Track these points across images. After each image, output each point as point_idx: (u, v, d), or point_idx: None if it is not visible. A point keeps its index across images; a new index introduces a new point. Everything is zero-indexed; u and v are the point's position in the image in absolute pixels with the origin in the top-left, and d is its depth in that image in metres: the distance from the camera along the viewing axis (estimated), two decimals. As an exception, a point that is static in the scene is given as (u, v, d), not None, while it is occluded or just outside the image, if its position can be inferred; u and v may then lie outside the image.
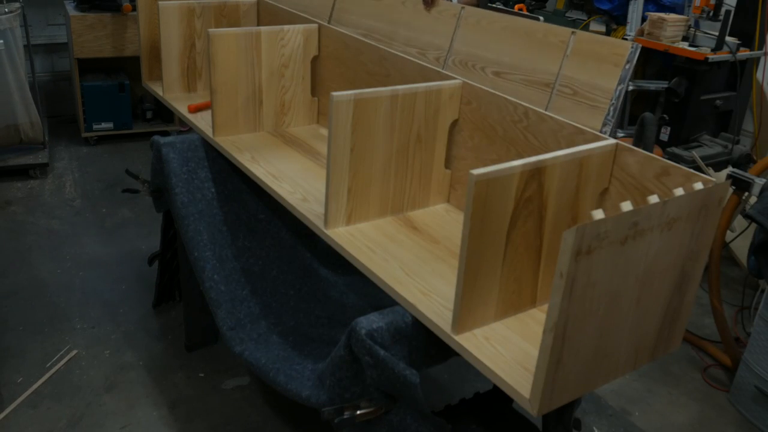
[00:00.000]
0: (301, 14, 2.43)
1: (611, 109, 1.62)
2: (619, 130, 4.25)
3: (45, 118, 4.28)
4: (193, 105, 2.44)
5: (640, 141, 3.03)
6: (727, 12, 3.62)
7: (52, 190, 3.88)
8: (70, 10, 4.22)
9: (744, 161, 3.28)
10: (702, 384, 2.73)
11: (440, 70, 1.88)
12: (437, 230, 1.78)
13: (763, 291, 2.94)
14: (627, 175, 1.46)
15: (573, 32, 1.72)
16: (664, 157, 1.40)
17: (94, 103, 4.38)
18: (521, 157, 1.44)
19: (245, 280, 2.16)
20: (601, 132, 1.64)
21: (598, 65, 1.66)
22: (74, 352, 2.59)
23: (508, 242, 1.35)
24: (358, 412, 1.48)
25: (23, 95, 3.91)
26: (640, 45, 1.65)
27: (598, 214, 1.07)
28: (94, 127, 4.46)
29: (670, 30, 3.79)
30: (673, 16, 3.85)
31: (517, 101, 1.68)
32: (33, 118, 3.98)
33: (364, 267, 1.60)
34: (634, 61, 1.63)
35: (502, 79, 1.88)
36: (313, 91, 2.38)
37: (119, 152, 4.43)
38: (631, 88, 4.20)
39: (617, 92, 1.63)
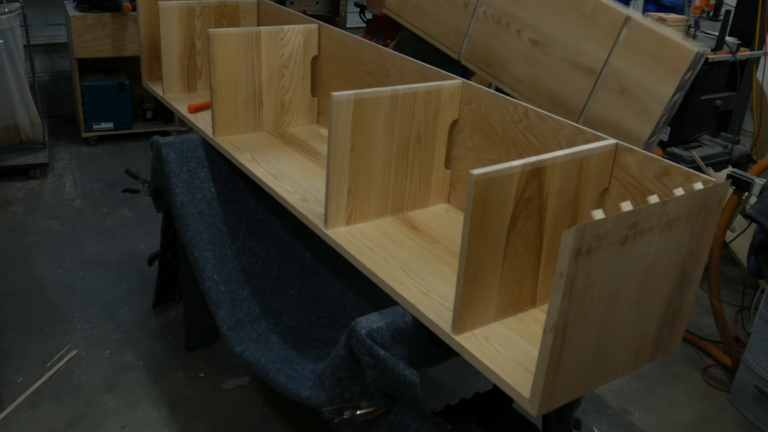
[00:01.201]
0: (300, 14, 2.43)
1: (663, 119, 1.41)
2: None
3: (45, 118, 4.28)
4: (193, 105, 2.44)
5: (640, 141, 3.03)
6: (727, 12, 3.62)
7: (52, 190, 3.88)
8: (70, 10, 4.22)
9: (744, 161, 3.29)
10: (702, 384, 2.73)
11: (440, 70, 1.87)
12: (437, 230, 1.78)
13: (763, 291, 2.94)
14: (627, 175, 1.45)
15: (627, 18, 1.47)
16: (664, 157, 1.40)
17: (94, 103, 4.37)
18: (521, 157, 1.44)
19: (245, 280, 2.16)
20: (648, 142, 1.43)
21: (653, 65, 1.42)
22: (74, 352, 2.59)
23: (508, 242, 1.35)
24: (358, 412, 1.48)
25: (23, 95, 3.91)
26: (706, 54, 1.41)
27: (598, 214, 1.07)
28: (94, 127, 4.45)
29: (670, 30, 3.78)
30: (673, 16, 3.85)
31: (517, 101, 1.68)
32: (33, 118, 3.98)
33: (364, 267, 1.60)
34: (697, 70, 1.39)
35: (540, 51, 1.65)
36: (313, 91, 2.38)
37: (119, 152, 4.43)
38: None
39: (673, 101, 1.39)
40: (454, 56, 2.05)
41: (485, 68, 1.92)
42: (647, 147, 1.47)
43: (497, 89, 1.91)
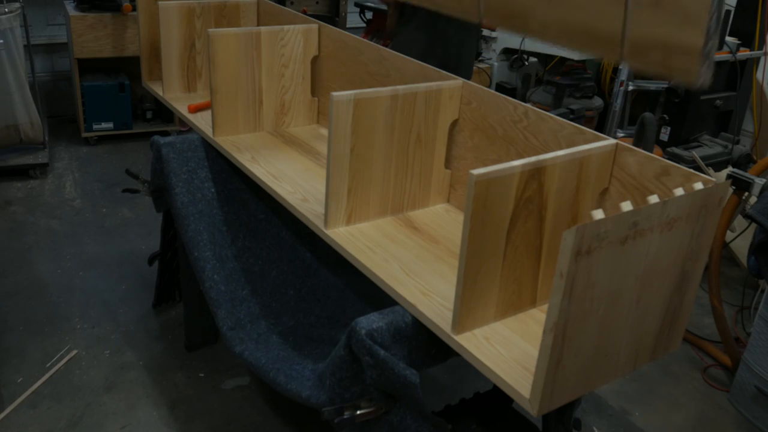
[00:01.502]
0: (300, 14, 2.42)
1: (713, 21, 1.25)
2: (619, 130, 4.26)
3: (45, 118, 4.27)
4: (193, 105, 2.44)
5: (640, 141, 3.04)
6: (727, 12, 3.62)
7: (52, 190, 3.88)
8: (70, 10, 4.22)
9: (744, 161, 3.29)
10: (702, 384, 2.73)
11: (440, 70, 1.87)
12: (437, 230, 1.78)
13: (763, 291, 2.94)
14: (627, 175, 1.45)
15: None
16: (664, 157, 1.40)
17: (94, 103, 4.37)
18: (521, 157, 1.44)
19: (245, 280, 2.16)
20: (705, 51, 1.27)
21: None
22: (74, 352, 2.59)
23: (508, 242, 1.35)
24: (358, 412, 1.48)
25: (23, 95, 3.91)
26: None
27: (598, 214, 1.07)
28: (94, 127, 4.45)
29: (670, 30, 3.78)
30: (673, 16, 3.84)
31: (517, 101, 1.68)
32: (33, 118, 3.97)
33: (364, 267, 1.60)
34: None
35: None
36: (313, 91, 2.38)
37: (119, 152, 4.43)
38: (631, 88, 4.20)
39: None
40: (474, 20, 1.95)
41: (509, 23, 1.78)
42: (706, 56, 1.28)
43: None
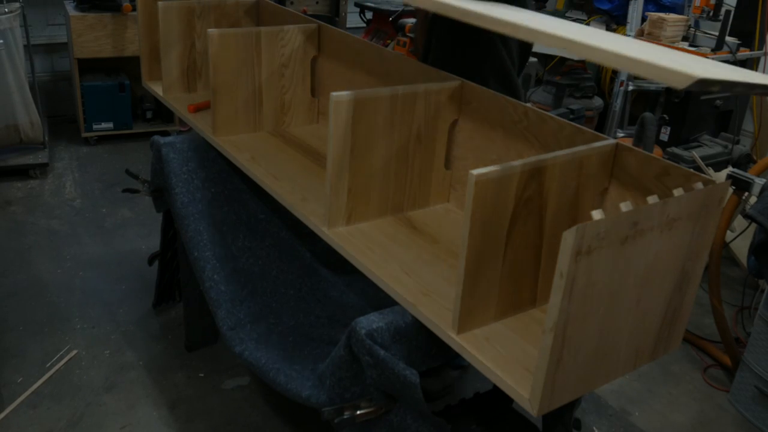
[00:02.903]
0: (300, 14, 2.42)
1: None
2: (619, 130, 4.26)
3: (45, 118, 4.27)
4: (193, 105, 2.44)
5: (640, 141, 3.04)
6: (727, 12, 3.63)
7: (52, 190, 3.88)
8: (70, 10, 4.22)
9: (744, 161, 3.29)
10: (702, 384, 2.73)
11: (440, 70, 1.87)
12: (437, 230, 1.78)
13: (763, 291, 2.94)
14: (627, 175, 1.46)
15: None
16: (664, 157, 1.40)
17: (94, 103, 4.37)
18: (521, 157, 1.44)
19: (245, 280, 2.16)
20: None
21: None
22: (74, 352, 2.59)
23: (508, 242, 1.35)
24: (358, 412, 1.48)
25: (23, 95, 3.90)
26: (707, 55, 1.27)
27: (598, 214, 1.07)
28: (94, 127, 4.45)
29: (670, 30, 3.79)
30: (673, 16, 3.86)
31: (517, 101, 1.68)
32: (33, 118, 3.97)
33: (364, 267, 1.60)
34: None
35: None
36: (313, 91, 2.38)
37: (119, 152, 4.43)
38: (631, 88, 4.21)
39: None
40: None
41: None
42: None
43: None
